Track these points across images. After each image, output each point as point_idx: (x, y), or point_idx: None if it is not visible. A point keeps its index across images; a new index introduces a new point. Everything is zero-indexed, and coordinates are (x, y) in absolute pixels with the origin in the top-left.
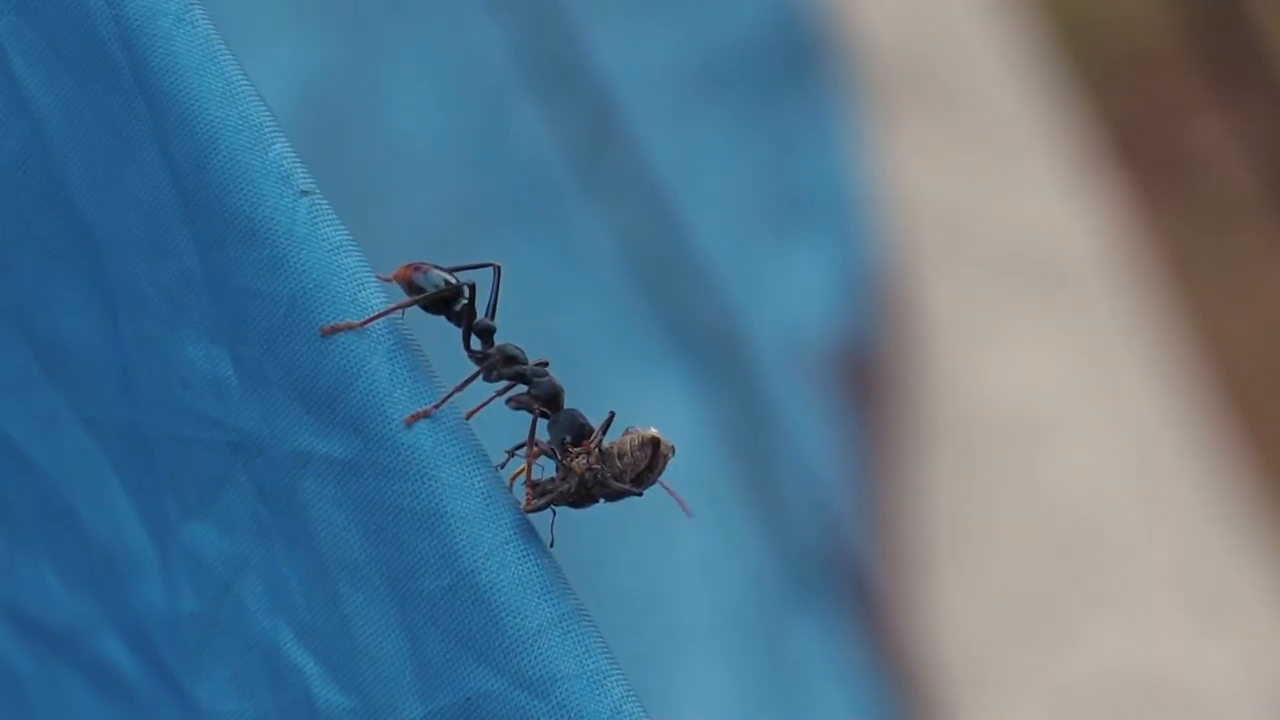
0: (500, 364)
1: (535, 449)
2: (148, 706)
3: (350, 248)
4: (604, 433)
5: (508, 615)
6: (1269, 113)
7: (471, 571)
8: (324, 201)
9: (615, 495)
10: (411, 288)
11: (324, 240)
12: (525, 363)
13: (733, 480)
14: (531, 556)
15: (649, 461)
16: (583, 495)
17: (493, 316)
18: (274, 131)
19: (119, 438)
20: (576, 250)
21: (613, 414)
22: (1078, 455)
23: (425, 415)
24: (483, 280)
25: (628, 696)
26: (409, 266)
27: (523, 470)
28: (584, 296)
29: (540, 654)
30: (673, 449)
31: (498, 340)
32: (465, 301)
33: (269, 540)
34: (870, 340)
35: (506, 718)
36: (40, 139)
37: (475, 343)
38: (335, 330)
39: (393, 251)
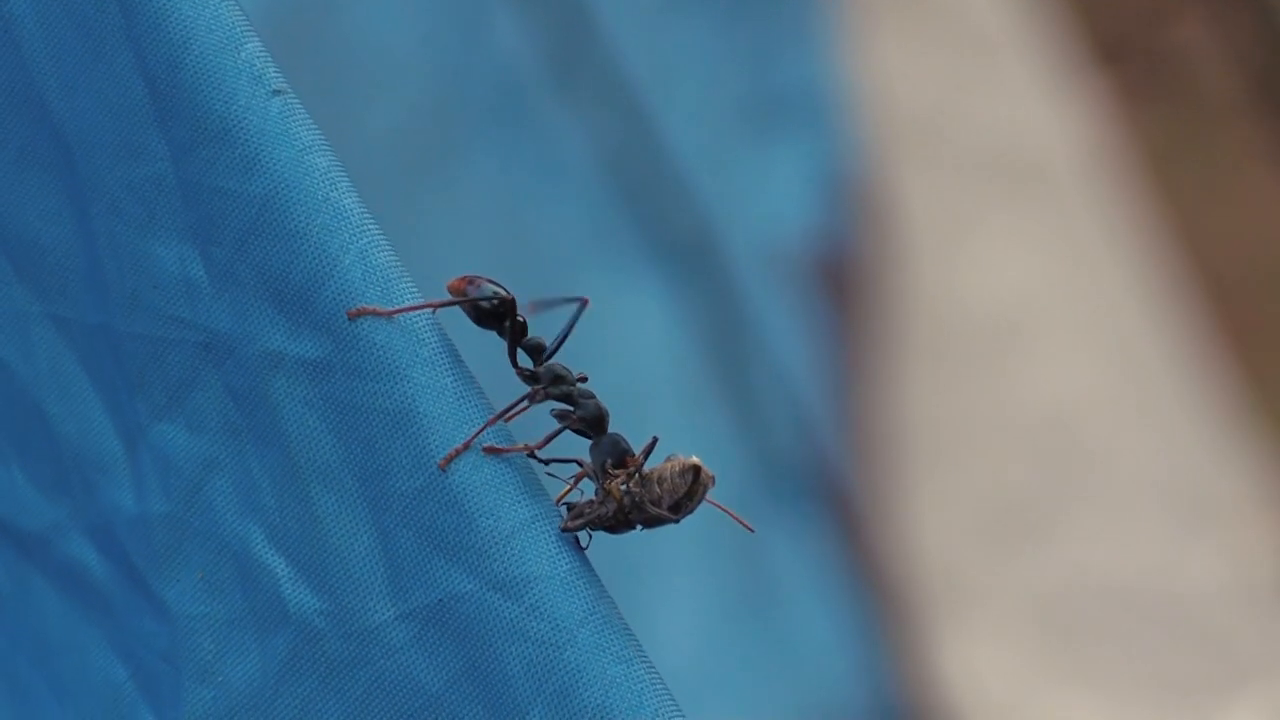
0: (547, 383)
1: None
2: (117, 609)
3: (322, 148)
4: (645, 457)
5: (480, 516)
6: (1250, 13)
7: (444, 472)
8: (296, 101)
9: (652, 521)
10: (464, 299)
11: (295, 140)
12: (573, 383)
13: (708, 385)
14: (504, 456)
15: (688, 489)
16: (620, 520)
17: (560, 345)
18: (246, 31)
19: (89, 338)
20: (552, 153)
21: (655, 439)
22: (1057, 359)
23: (464, 449)
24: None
25: (600, 598)
26: (464, 279)
27: (568, 492)
28: (560, 200)
29: (513, 555)
30: (713, 478)
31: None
32: (514, 317)
33: (239, 441)
34: (847, 243)
35: (479, 619)
36: (12, 42)
37: (523, 359)
38: (361, 314)
39: (366, 153)
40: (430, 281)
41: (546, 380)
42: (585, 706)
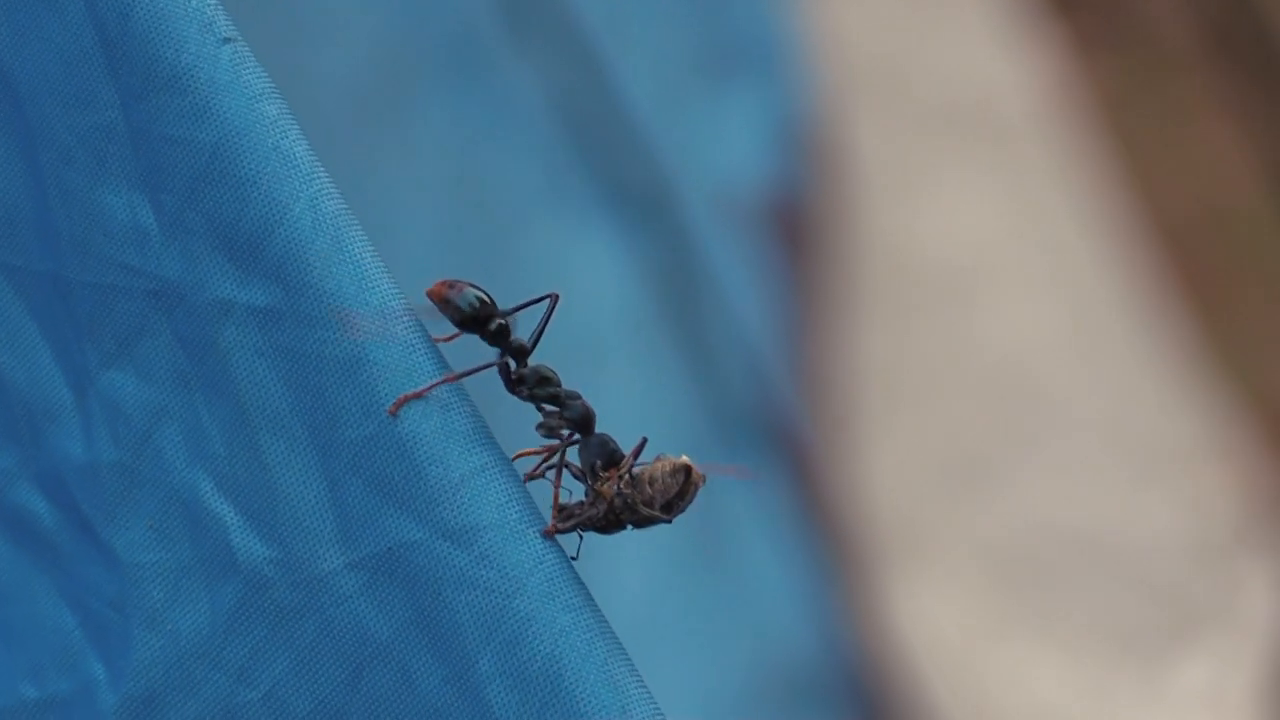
0: (533, 385)
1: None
2: (66, 557)
3: (272, 95)
4: (635, 458)
5: (429, 464)
6: None
7: (394, 420)
8: (246, 49)
9: (644, 521)
10: (445, 304)
11: (246, 88)
12: (559, 385)
13: (662, 334)
14: (454, 405)
15: (680, 489)
16: (610, 521)
17: (537, 343)
18: None
19: (38, 286)
20: (506, 102)
21: (644, 440)
22: (1011, 307)
23: (415, 396)
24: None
25: (549, 546)
26: (444, 283)
27: (555, 487)
28: (513, 149)
29: (462, 503)
30: (704, 478)
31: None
32: (500, 321)
33: (189, 389)
34: (802, 191)
35: (428, 567)
36: None
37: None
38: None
39: (317, 101)
40: (382, 231)
41: (532, 382)
42: (535, 654)
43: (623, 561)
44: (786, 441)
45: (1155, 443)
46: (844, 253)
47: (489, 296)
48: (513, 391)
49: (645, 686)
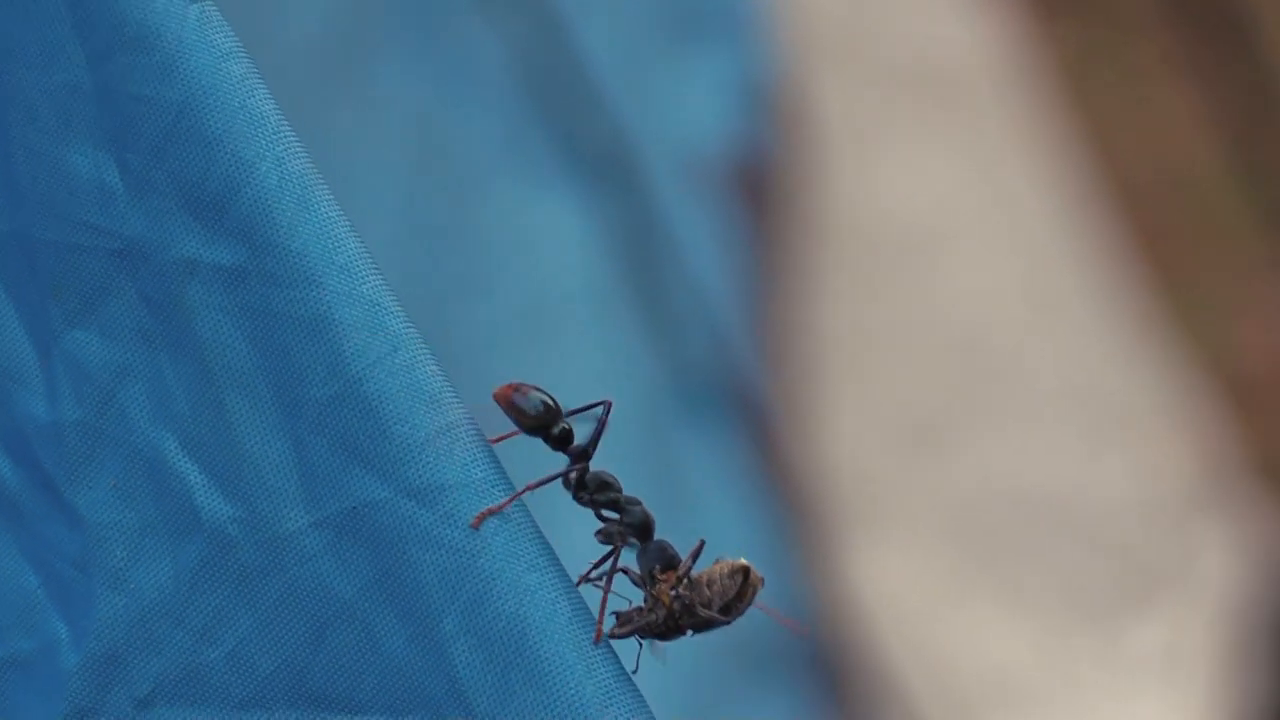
0: (594, 490)
1: (614, 575)
2: (28, 516)
3: (239, 54)
4: (694, 561)
5: (395, 423)
6: None
7: (358, 379)
8: (213, 8)
9: (703, 625)
10: (510, 407)
11: (213, 46)
12: (620, 490)
13: (623, 295)
14: (419, 364)
15: (738, 590)
16: (670, 626)
17: (595, 446)
18: None
19: (2, 245)
20: (467, 62)
21: (702, 542)
22: (971, 268)
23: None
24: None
25: (515, 505)
26: (510, 386)
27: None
28: (474, 109)
29: (427, 462)
30: (762, 580)
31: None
32: (564, 426)
33: (153, 348)
34: (764, 153)
35: (392, 526)
36: None
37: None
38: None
39: (282, 60)
40: (341, 190)
41: (593, 488)
42: (499, 614)
43: (586, 522)
44: (746, 403)
45: (1113, 406)
46: (805, 214)
47: (554, 401)
48: (574, 496)
49: (610, 646)
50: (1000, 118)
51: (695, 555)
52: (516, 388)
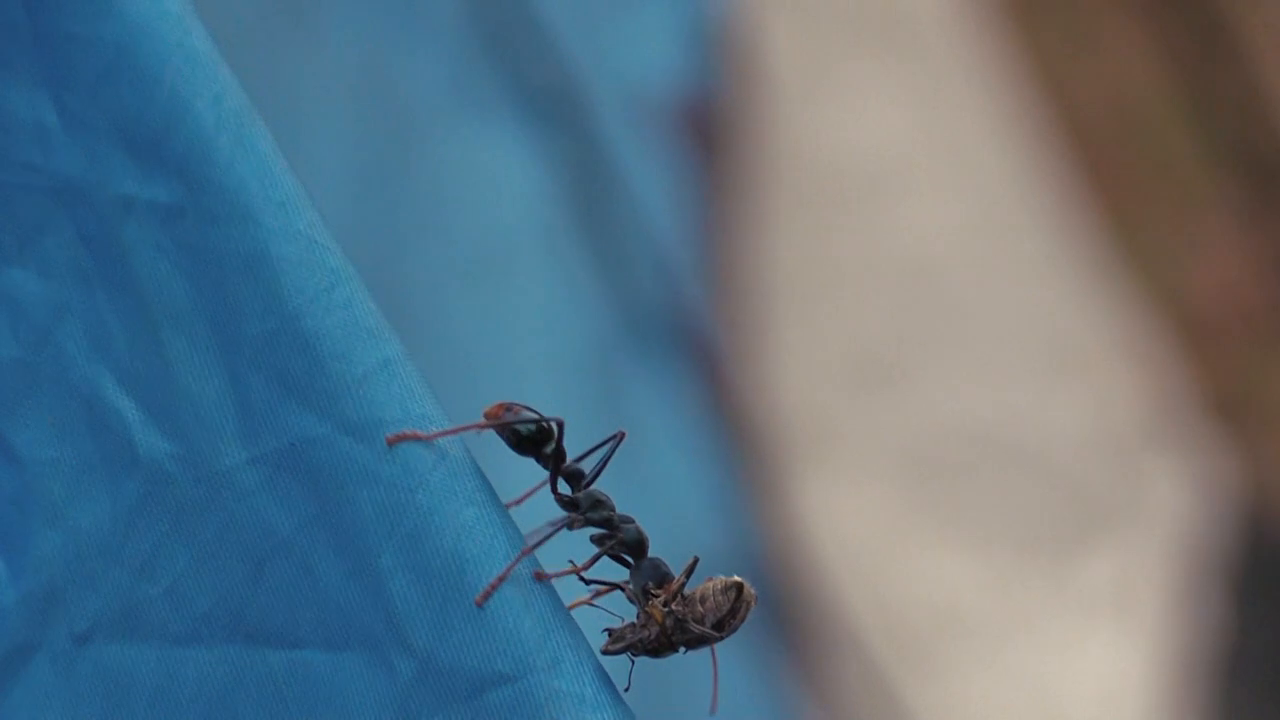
0: (587, 509)
1: (603, 590)
2: None
3: None
4: (687, 578)
5: (332, 360)
6: None
7: (296, 315)
8: None
9: (696, 641)
10: (502, 426)
11: None
12: (612, 509)
13: (572, 234)
14: (357, 301)
15: (731, 606)
16: (663, 643)
17: (597, 477)
18: None
19: None
20: (414, 0)
21: (696, 560)
22: (922, 207)
23: (501, 581)
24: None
25: (454, 442)
26: (501, 405)
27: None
28: (421, 47)
29: (365, 399)
30: (755, 596)
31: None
32: (555, 444)
33: (90, 286)
34: (713, 92)
35: (330, 463)
36: None
37: (563, 486)
38: (402, 439)
39: None
40: (288, 130)
41: (586, 506)
42: (437, 549)
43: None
44: (696, 341)
45: (1065, 343)
46: (755, 154)
47: (546, 421)
48: (567, 517)
49: (548, 582)
50: (950, 57)
51: (689, 572)
52: (508, 407)
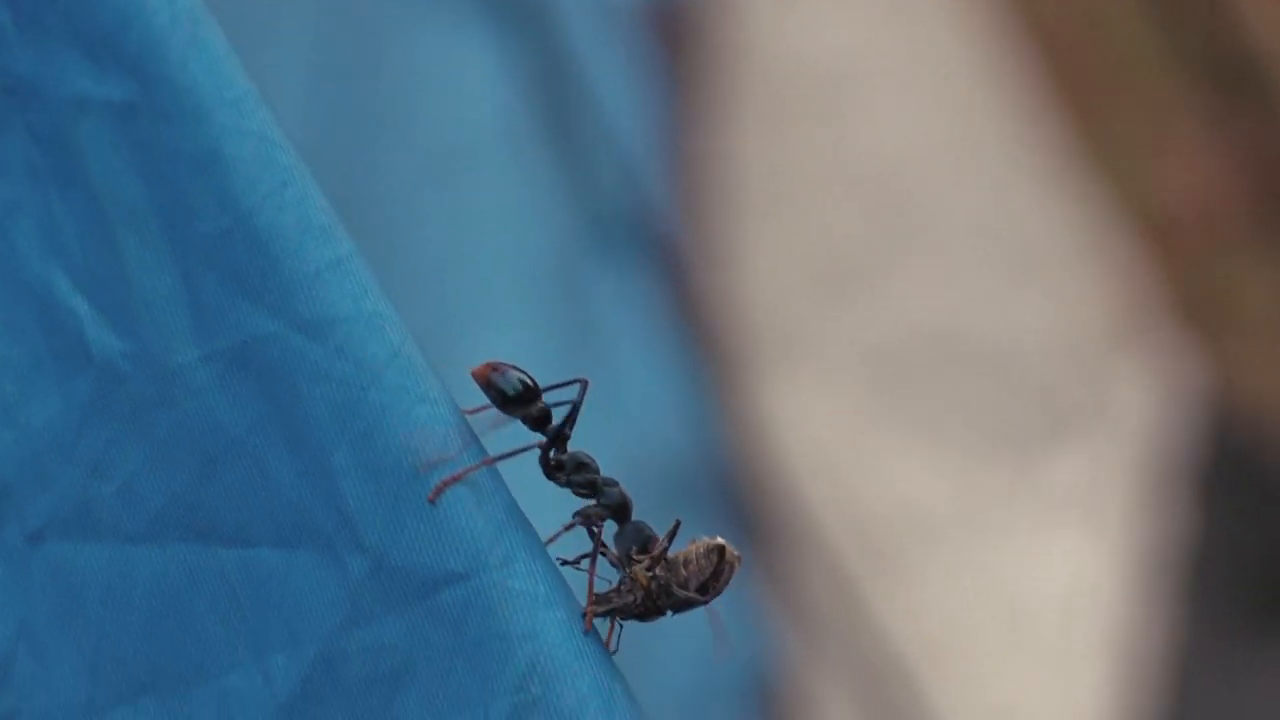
0: (571, 470)
1: (600, 557)
2: None
3: None
4: (670, 541)
5: (285, 257)
6: None
7: (249, 214)
8: None
9: (681, 605)
10: (489, 386)
11: None
12: (597, 472)
13: (536, 136)
14: (310, 199)
15: (714, 569)
16: (648, 607)
17: (572, 426)
18: None
19: None
20: None
21: (679, 522)
22: (889, 110)
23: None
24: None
25: (405, 339)
26: (488, 365)
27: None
28: None
29: (318, 296)
30: (739, 558)
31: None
32: (542, 406)
33: (43, 184)
34: None
35: (283, 360)
36: None
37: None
38: (431, 467)
39: None
40: (251, 30)
41: (570, 469)
42: (390, 447)
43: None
44: (662, 244)
45: (1031, 245)
46: (721, 56)
47: (533, 380)
48: (550, 476)
49: (501, 479)
50: None
51: (671, 536)
52: (495, 367)
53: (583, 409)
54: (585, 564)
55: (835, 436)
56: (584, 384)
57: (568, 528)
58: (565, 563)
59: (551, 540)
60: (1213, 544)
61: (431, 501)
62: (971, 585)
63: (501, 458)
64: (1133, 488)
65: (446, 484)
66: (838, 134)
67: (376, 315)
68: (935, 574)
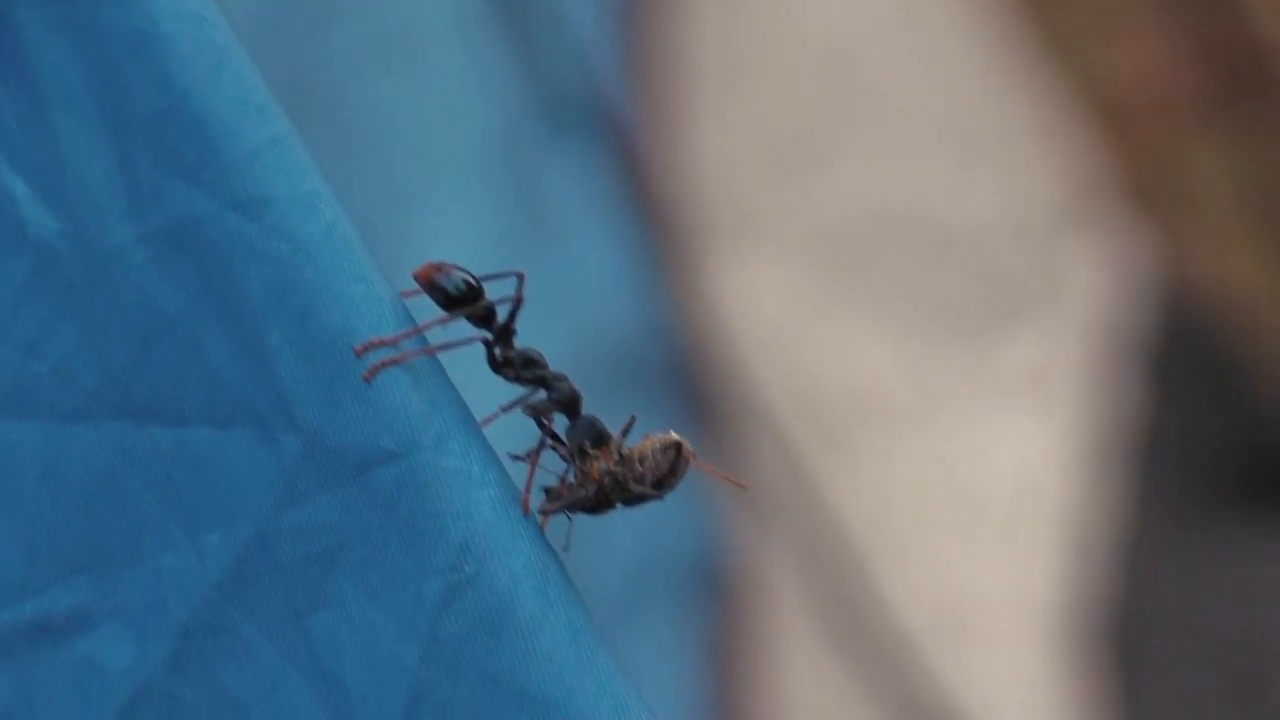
0: (520, 367)
1: (543, 452)
2: None
3: None
4: (624, 437)
5: (221, 137)
6: None
7: (184, 93)
8: None
9: (634, 500)
10: (432, 287)
11: None
12: (546, 367)
13: (485, 14)
14: (245, 78)
15: (670, 465)
16: (600, 501)
17: (513, 321)
18: None
19: None
20: None
21: (633, 418)
22: None
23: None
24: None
25: (341, 219)
26: (431, 266)
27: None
28: None
29: (253, 176)
30: (694, 454)
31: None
32: (486, 303)
33: None
34: None
35: (219, 240)
36: None
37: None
38: (368, 349)
39: None
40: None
41: (519, 364)
42: (326, 326)
43: (444, 240)
44: (612, 123)
45: (983, 126)
46: None
47: (476, 280)
48: (498, 372)
49: (436, 359)
50: None
51: (626, 431)
52: (439, 267)
53: (526, 301)
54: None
55: (787, 318)
56: (520, 276)
57: (505, 409)
58: (517, 458)
59: (487, 421)
60: (1164, 426)
61: (366, 380)
62: (923, 468)
63: (444, 348)
64: (1085, 371)
65: (383, 365)
66: (791, 13)
67: (312, 195)
68: (886, 456)
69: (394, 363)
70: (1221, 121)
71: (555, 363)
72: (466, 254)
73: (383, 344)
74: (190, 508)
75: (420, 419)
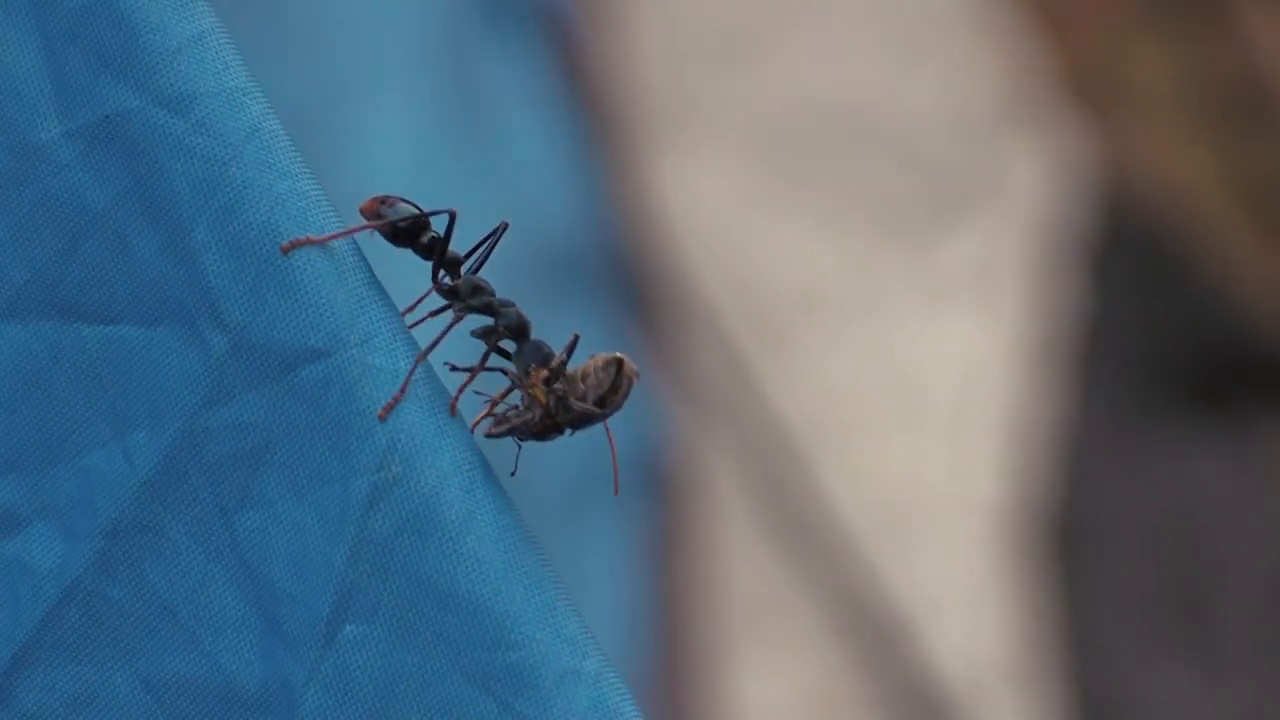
0: (467, 295)
1: (480, 371)
2: None
3: None
4: (568, 355)
5: (147, 31)
6: None
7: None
8: None
9: (580, 420)
10: (378, 219)
11: None
12: (492, 294)
13: None
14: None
15: (613, 383)
16: (548, 425)
17: (449, 247)
18: None
19: None
20: None
21: (576, 337)
22: None
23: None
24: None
25: (268, 115)
26: (376, 199)
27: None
28: None
29: (179, 71)
30: (637, 373)
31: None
32: (432, 234)
33: None
34: None
35: (145, 135)
36: None
37: (442, 275)
38: (295, 246)
39: None
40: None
41: (466, 292)
42: (250, 223)
43: (382, 142)
44: (550, 17)
45: (924, 20)
46: None
47: (423, 212)
48: (447, 302)
49: (361, 253)
50: None
51: (570, 350)
52: (383, 199)
53: (464, 208)
54: (482, 380)
55: (729, 215)
56: (452, 214)
57: (434, 313)
58: (455, 368)
59: (410, 310)
60: (1105, 323)
61: (285, 253)
62: (865, 364)
63: (413, 307)
64: (1026, 267)
65: (302, 243)
66: None
67: (238, 91)
68: (826, 350)
69: (313, 243)
70: (1161, 16)
71: (495, 263)
72: (403, 151)
73: (309, 242)
74: (118, 406)
75: (346, 316)
